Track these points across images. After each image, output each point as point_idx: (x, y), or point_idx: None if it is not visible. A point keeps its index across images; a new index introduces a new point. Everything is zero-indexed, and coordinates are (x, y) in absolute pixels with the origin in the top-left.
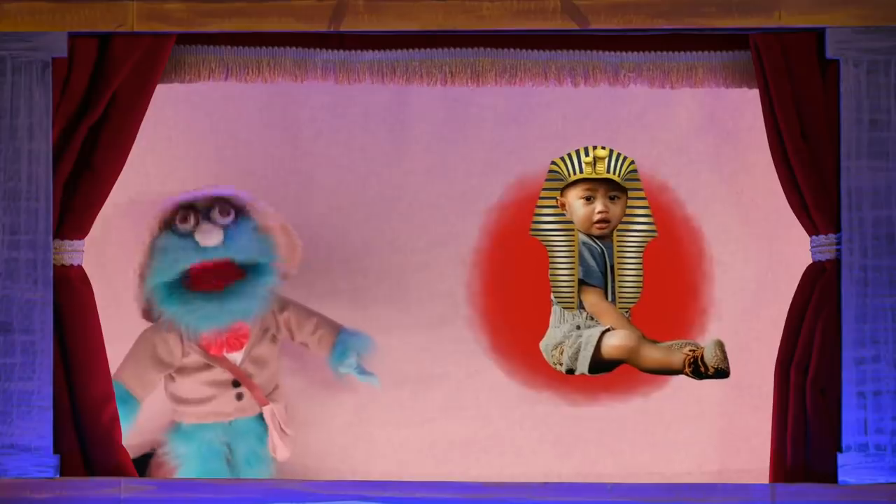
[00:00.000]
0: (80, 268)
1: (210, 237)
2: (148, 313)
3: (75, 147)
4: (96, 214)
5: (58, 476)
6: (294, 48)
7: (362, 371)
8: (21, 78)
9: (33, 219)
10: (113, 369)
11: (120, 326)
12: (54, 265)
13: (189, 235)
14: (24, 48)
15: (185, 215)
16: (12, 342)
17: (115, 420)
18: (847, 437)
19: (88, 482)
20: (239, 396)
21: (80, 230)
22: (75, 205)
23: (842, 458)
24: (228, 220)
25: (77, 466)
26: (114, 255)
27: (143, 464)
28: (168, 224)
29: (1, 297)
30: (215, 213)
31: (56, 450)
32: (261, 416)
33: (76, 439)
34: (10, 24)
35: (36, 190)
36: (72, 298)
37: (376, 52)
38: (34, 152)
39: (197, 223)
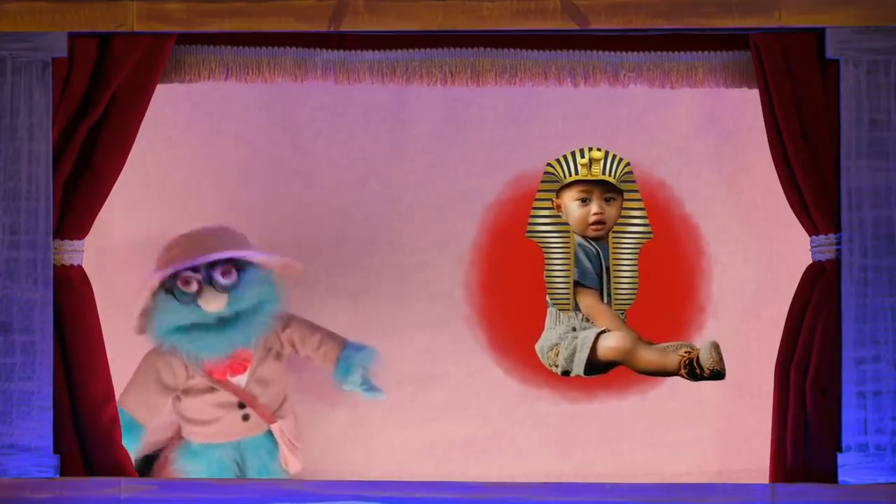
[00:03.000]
0: (80, 268)
1: (214, 303)
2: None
3: (75, 147)
4: (96, 214)
5: (58, 476)
6: (294, 48)
7: (369, 388)
8: (21, 78)
9: (33, 219)
10: (113, 369)
11: (120, 326)
12: (54, 265)
13: (192, 300)
14: (24, 48)
15: (186, 279)
16: (12, 342)
17: (115, 420)
18: (847, 437)
19: (88, 482)
20: (245, 417)
21: (80, 230)
22: (75, 205)
23: (842, 458)
24: (231, 280)
25: (77, 466)
26: (114, 255)
27: (146, 465)
28: (169, 289)
29: (1, 297)
30: (217, 275)
31: (56, 450)
32: (269, 433)
33: (76, 439)
34: (10, 24)
35: (36, 190)
36: (72, 298)
37: (376, 52)
38: (34, 152)
39: (200, 289)
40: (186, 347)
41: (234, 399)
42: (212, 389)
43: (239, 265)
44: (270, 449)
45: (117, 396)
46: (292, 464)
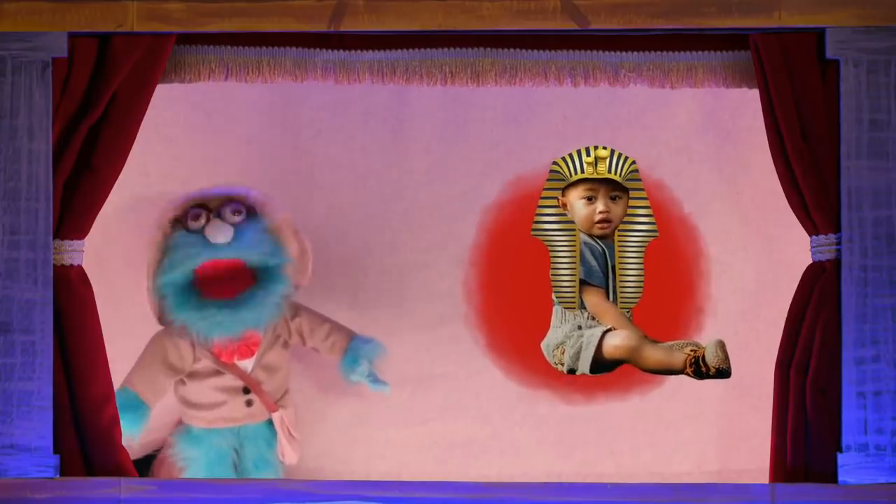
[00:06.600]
0: (80, 268)
1: (220, 234)
2: (162, 316)
3: (75, 147)
4: (96, 214)
5: (58, 476)
6: (294, 48)
7: (375, 380)
8: (21, 78)
9: (33, 219)
10: (113, 369)
11: (120, 326)
12: (54, 265)
13: (200, 233)
14: (24, 48)
15: (196, 213)
16: (12, 342)
17: (115, 420)
18: (847, 437)
19: (88, 482)
20: (249, 403)
21: (80, 230)
22: (75, 205)
23: (842, 458)
24: (239, 218)
25: (77, 466)
26: (114, 255)
27: (146, 464)
28: (179, 221)
29: (1, 297)
30: (227, 212)
31: (56, 450)
32: (270, 421)
33: (76, 439)
34: (10, 24)
35: (36, 190)
36: (72, 298)
37: (376, 52)
38: (34, 152)
39: (208, 221)
40: (197, 326)
41: (239, 384)
42: (217, 373)
43: (249, 209)
44: (269, 439)
45: (117, 373)
46: (289, 455)
